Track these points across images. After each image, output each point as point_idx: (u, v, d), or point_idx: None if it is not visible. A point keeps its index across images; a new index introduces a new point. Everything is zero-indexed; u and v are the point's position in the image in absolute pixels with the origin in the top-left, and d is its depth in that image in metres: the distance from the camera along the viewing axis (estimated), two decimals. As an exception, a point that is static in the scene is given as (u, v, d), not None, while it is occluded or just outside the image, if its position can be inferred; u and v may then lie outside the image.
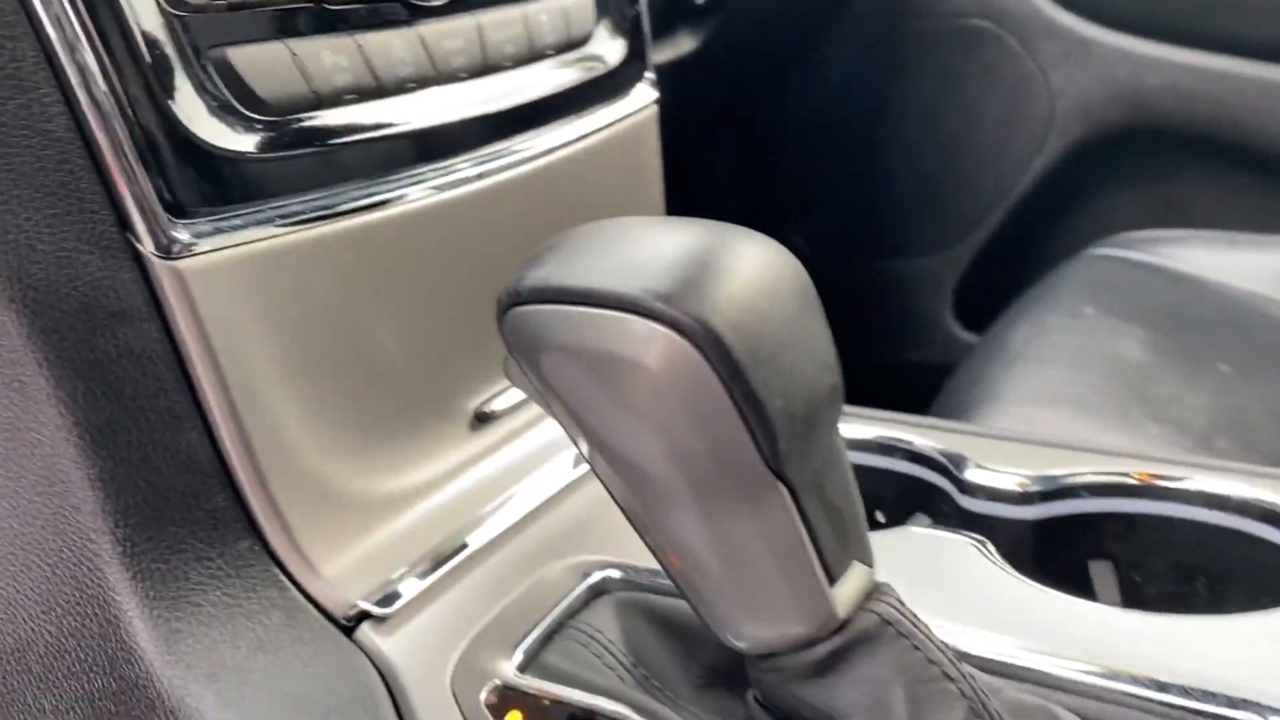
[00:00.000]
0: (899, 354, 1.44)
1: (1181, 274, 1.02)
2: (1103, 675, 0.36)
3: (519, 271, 0.33)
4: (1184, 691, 0.35)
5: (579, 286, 0.31)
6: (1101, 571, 0.49)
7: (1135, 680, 0.36)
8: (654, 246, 0.31)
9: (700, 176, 1.45)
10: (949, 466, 0.51)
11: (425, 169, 0.47)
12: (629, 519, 0.35)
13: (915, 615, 0.33)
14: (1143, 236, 1.10)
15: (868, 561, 0.34)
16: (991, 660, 0.37)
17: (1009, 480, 0.49)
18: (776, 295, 0.31)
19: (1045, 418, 0.75)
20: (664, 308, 0.29)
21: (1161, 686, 0.36)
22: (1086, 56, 1.28)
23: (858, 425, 0.55)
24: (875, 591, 0.34)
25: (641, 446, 0.32)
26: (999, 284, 1.26)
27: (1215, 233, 1.11)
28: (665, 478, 0.32)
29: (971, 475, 0.50)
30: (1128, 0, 1.25)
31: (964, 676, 0.32)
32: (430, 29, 0.46)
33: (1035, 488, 0.48)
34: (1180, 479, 0.47)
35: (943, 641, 0.33)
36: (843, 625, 0.33)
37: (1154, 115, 1.27)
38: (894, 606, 0.33)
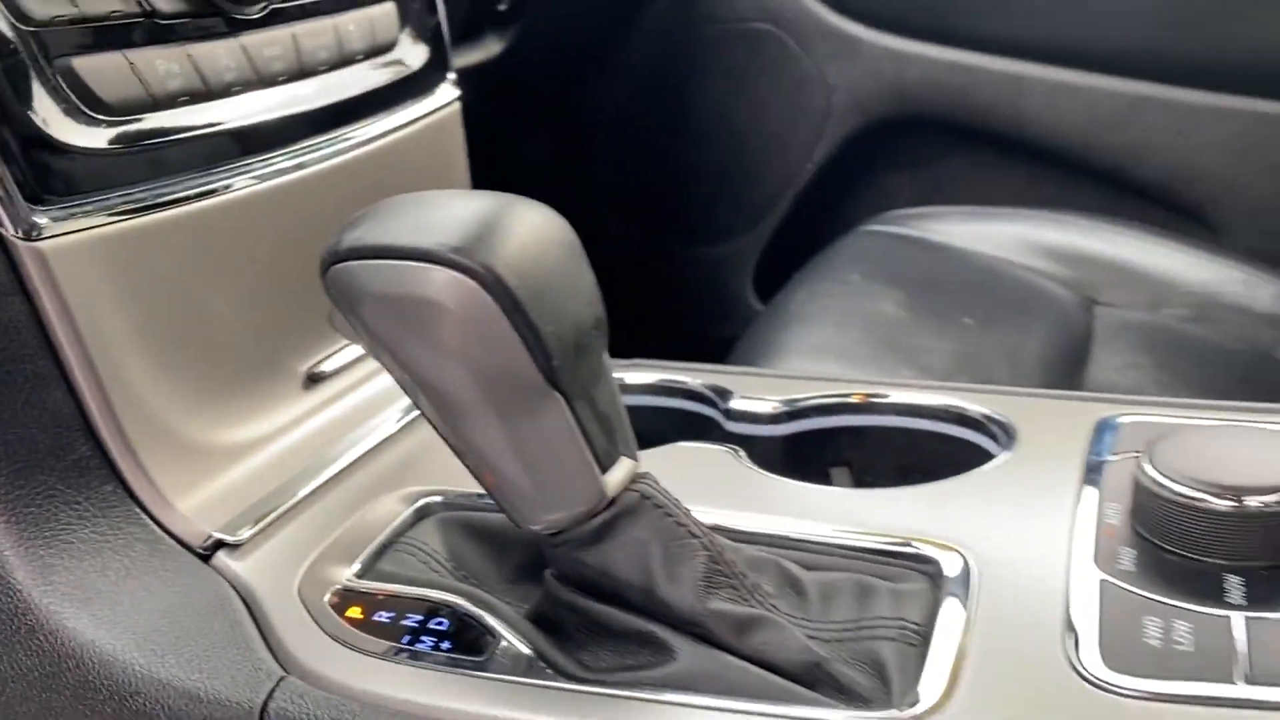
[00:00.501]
0: (706, 329, 1.56)
1: (936, 244, 1.17)
2: (825, 534, 0.47)
3: (336, 235, 0.41)
4: (898, 541, 0.46)
5: (388, 244, 0.39)
6: (839, 475, 0.60)
7: (850, 534, 0.47)
8: (448, 211, 0.40)
9: (515, 171, 1.54)
10: (715, 399, 0.61)
11: (250, 161, 0.54)
12: (449, 445, 0.43)
13: (668, 492, 0.43)
14: (906, 213, 1.25)
15: (632, 456, 0.43)
16: (735, 530, 0.47)
17: (763, 406, 0.60)
18: (547, 246, 0.40)
19: (813, 367, 0.88)
20: (457, 257, 0.38)
21: (870, 537, 0.46)
22: (856, 54, 1.43)
23: (646, 372, 0.64)
24: (638, 478, 0.43)
25: (448, 374, 0.40)
26: (791, 261, 1.40)
27: (968, 208, 1.27)
28: (469, 399, 0.40)
29: (734, 404, 0.60)
30: (888, 3, 1.40)
31: (706, 535, 0.42)
32: (251, 39, 0.53)
33: (783, 410, 0.59)
34: (889, 396, 0.58)
35: (689, 512, 0.43)
36: (612, 502, 0.42)
37: (916, 106, 1.43)
38: (651, 486, 0.43)
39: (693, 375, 0.63)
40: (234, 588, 0.47)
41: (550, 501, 0.42)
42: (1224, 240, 1.28)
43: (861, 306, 1.02)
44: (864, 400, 0.58)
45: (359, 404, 0.58)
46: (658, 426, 0.53)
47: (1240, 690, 0.35)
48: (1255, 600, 0.38)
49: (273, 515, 0.50)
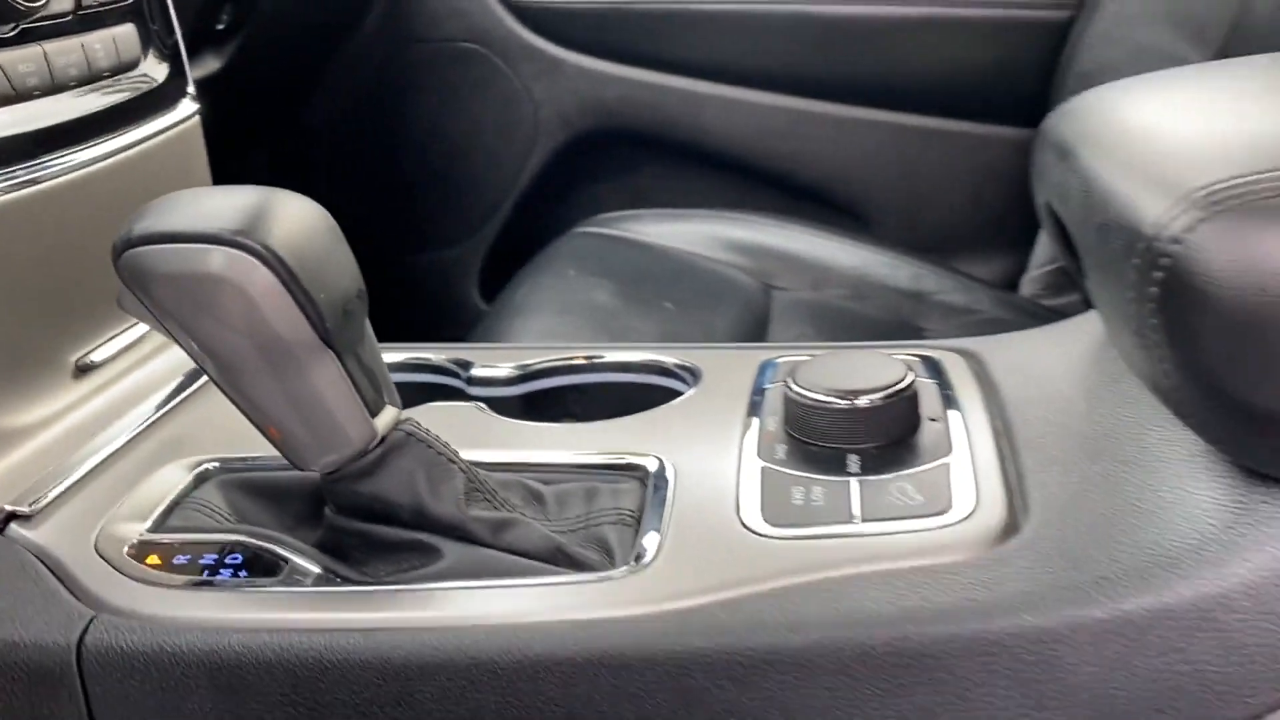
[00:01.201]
0: (436, 330, 1.64)
1: (639, 242, 1.32)
2: (557, 459, 0.58)
3: (126, 226, 0.47)
4: (613, 455, 0.57)
5: (175, 230, 0.46)
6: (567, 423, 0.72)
7: (576, 456, 0.58)
8: (225, 202, 0.48)
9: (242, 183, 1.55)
10: (458, 370, 0.71)
11: (5, 171, 0.58)
12: (237, 406, 0.50)
13: (428, 430, 0.52)
14: (613, 216, 1.40)
15: (396, 404, 0.52)
16: (485, 463, 0.57)
17: (500, 372, 0.70)
18: (314, 229, 0.49)
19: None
20: (240, 239, 0.46)
21: (592, 456, 0.58)
22: (558, 74, 1.56)
23: (392, 353, 0.73)
24: (401, 421, 0.52)
25: (234, 341, 0.47)
26: (513, 263, 1.51)
27: (665, 210, 1.43)
28: (254, 362, 0.48)
29: (474, 372, 0.70)
30: (585, 28, 1.55)
31: (461, 460, 0.52)
32: (5, 56, 0.58)
33: (517, 374, 0.70)
34: (604, 356, 0.71)
35: (448, 444, 0.52)
36: (382, 440, 0.51)
37: (616, 120, 1.58)
38: (414, 425, 0.52)
39: (435, 353, 0.73)
40: (32, 553, 0.52)
41: (329, 445, 0.50)
42: (873, 231, 1.52)
43: (578, 297, 1.14)
44: (585, 361, 0.70)
45: (130, 388, 0.64)
46: (408, 399, 0.62)
47: (854, 527, 0.49)
48: (867, 470, 0.53)
49: (61, 487, 0.55)
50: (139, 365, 0.65)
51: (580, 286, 1.18)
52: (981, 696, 0.43)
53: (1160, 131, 0.48)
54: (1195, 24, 1.17)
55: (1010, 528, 0.48)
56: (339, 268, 0.49)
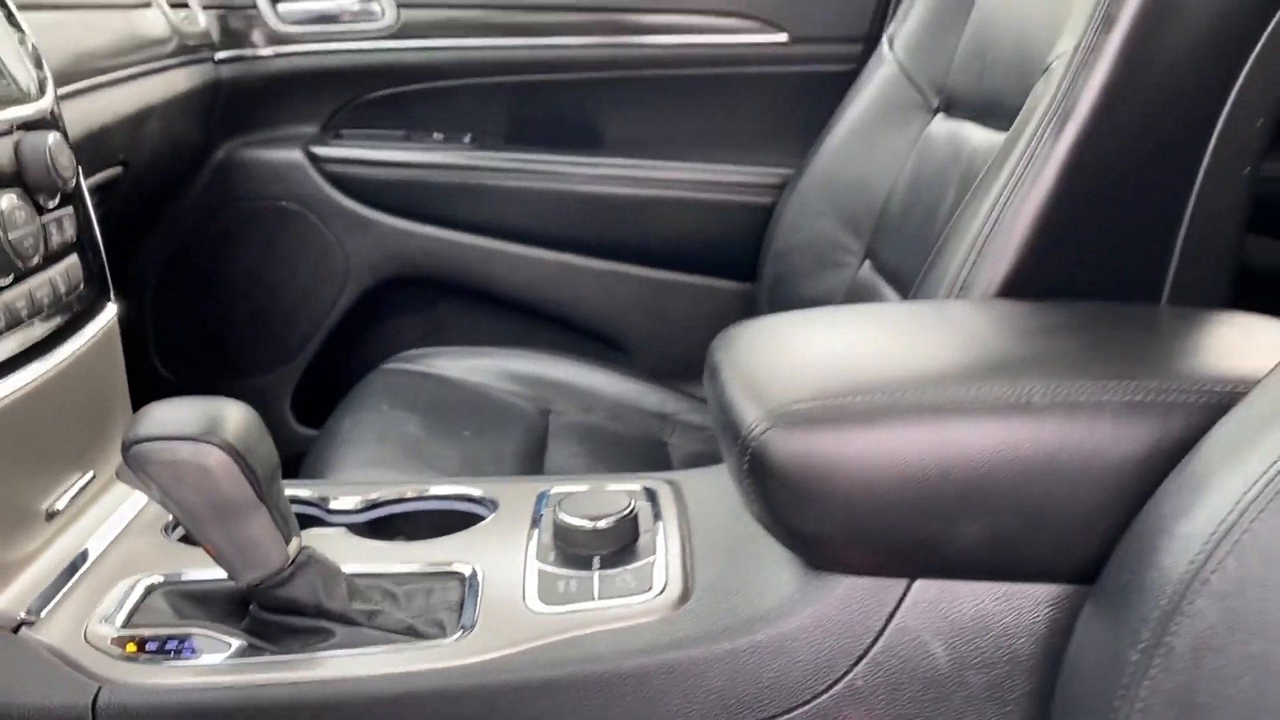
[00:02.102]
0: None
1: (440, 377, 1.61)
2: (402, 568, 0.87)
3: (132, 428, 0.74)
4: (441, 564, 0.87)
5: (167, 433, 0.73)
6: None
7: (415, 566, 0.87)
8: (193, 411, 0.75)
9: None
10: (319, 503, 0.98)
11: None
12: (197, 540, 0.77)
13: (322, 554, 0.80)
14: (417, 353, 1.68)
15: (298, 534, 0.80)
16: (355, 572, 0.85)
17: (351, 504, 0.98)
18: (250, 426, 0.77)
19: (368, 474, 1.27)
20: (206, 437, 0.73)
21: (427, 565, 0.87)
22: (367, 231, 1.85)
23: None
24: (303, 548, 0.80)
25: (202, 501, 0.74)
26: (325, 390, 1.77)
27: (461, 348, 1.73)
28: (212, 513, 0.75)
29: (333, 505, 0.98)
30: (389, 194, 1.85)
31: (343, 572, 0.80)
32: (6, 297, 0.82)
33: (364, 505, 0.98)
34: (429, 489, 1.00)
35: (332, 561, 0.81)
36: (293, 560, 0.78)
37: (419, 269, 1.88)
38: (312, 550, 0.80)
39: (301, 488, 1.00)
40: (44, 648, 0.76)
41: (257, 565, 0.78)
42: (633, 362, 1.88)
43: (392, 429, 1.43)
44: (414, 494, 1.00)
45: (88, 525, 0.88)
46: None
47: (595, 603, 0.81)
48: (604, 566, 0.85)
49: (53, 602, 0.79)
50: (90, 507, 0.90)
51: (392, 419, 1.46)
52: (667, 701, 0.75)
53: (765, 363, 0.84)
54: (853, 219, 1.59)
55: (684, 598, 0.81)
56: (267, 450, 0.77)
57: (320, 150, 1.82)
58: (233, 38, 1.74)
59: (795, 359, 0.84)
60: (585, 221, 1.86)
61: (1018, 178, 0.99)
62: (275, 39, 1.76)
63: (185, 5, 1.63)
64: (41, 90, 0.94)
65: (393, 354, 1.68)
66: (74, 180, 0.92)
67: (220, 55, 1.71)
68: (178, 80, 1.54)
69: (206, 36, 1.67)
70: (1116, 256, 1.01)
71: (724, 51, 1.81)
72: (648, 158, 1.85)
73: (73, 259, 0.93)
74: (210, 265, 1.86)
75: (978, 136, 1.31)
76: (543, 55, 1.81)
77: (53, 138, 0.87)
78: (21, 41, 0.97)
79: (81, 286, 0.93)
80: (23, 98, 0.90)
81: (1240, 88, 0.97)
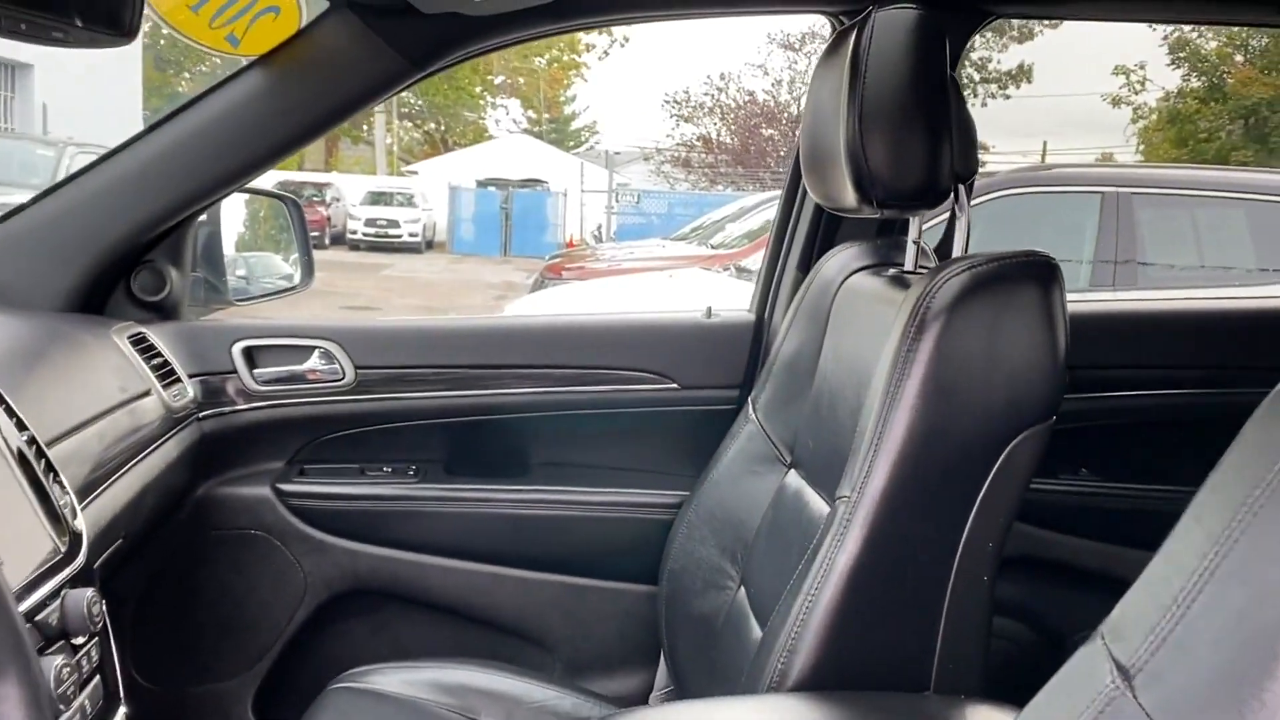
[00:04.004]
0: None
1: (382, 694, 1.89)
2: None
3: None
4: None
5: None
6: None
7: None
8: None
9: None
10: None
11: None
12: None
13: None
14: (359, 671, 1.94)
15: None
16: None
17: None
18: None
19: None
20: None
21: None
22: (324, 553, 2.15)
23: None
24: None
25: None
26: (283, 692, 2.03)
27: (402, 664, 1.99)
28: None
29: None
30: (343, 522, 2.16)
31: None
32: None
33: None
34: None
35: None
36: None
37: (368, 583, 2.16)
38: None
39: None
40: None
41: None
42: (555, 658, 2.16)
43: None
44: None
45: None
46: None
47: None
48: None
49: None
50: None
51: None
52: None
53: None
54: (730, 550, 1.92)
55: None
56: None
57: (285, 486, 2.14)
58: (214, 398, 2.08)
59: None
60: (512, 538, 2.18)
61: (818, 583, 1.33)
62: (251, 397, 2.10)
63: (178, 380, 1.97)
64: (76, 546, 1.25)
65: (344, 656, 1.95)
66: (101, 621, 1.22)
67: (203, 414, 2.05)
68: (170, 450, 1.86)
69: (193, 402, 2.02)
70: (893, 650, 1.34)
71: (628, 396, 2.18)
72: (566, 484, 2.19)
73: (96, 681, 1.22)
74: (185, 583, 2.14)
75: (814, 504, 1.66)
76: (479, 402, 2.17)
77: (89, 594, 1.18)
78: (62, 498, 1.29)
79: (101, 702, 1.22)
80: (64, 560, 1.21)
81: (974, 515, 1.33)
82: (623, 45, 36.54)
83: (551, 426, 2.22)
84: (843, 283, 1.78)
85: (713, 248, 8.49)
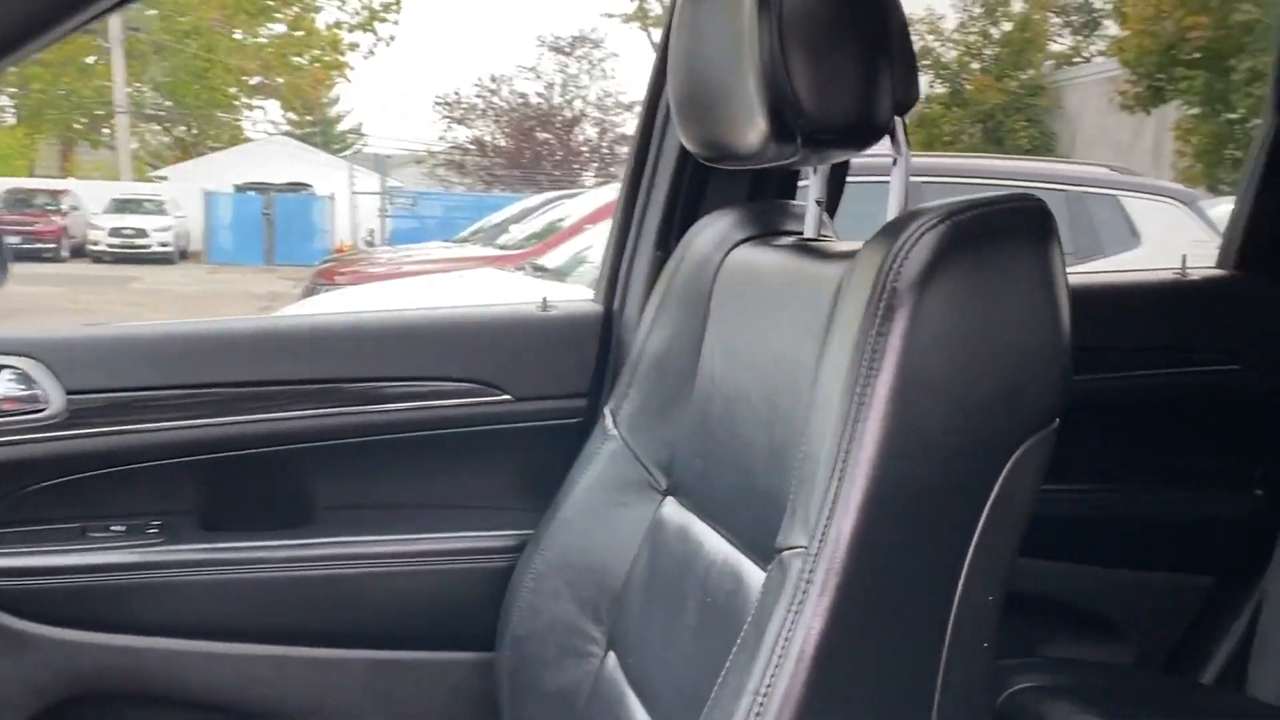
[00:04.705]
0: None
1: None
2: None
3: None
4: None
5: None
6: None
7: None
8: None
9: None
10: None
11: None
12: None
13: None
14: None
15: None
16: None
17: None
18: None
19: None
20: None
21: None
22: (29, 649, 1.57)
23: None
24: None
25: None
26: None
27: None
28: None
29: None
30: (57, 607, 1.58)
31: None
32: None
33: None
34: None
35: None
36: None
37: (98, 688, 1.61)
38: None
39: None
40: None
41: None
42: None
43: None
44: None
45: None
46: None
47: None
48: None
49: None
50: None
51: None
52: None
53: None
54: (592, 604, 1.48)
55: None
56: None
57: (-33, 562, 1.55)
58: None
59: None
60: (297, 608, 1.68)
61: (771, 673, 0.93)
62: (-95, 442, 1.50)
63: None
64: None
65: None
66: None
67: None
68: None
69: None
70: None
71: (445, 414, 1.72)
72: (366, 532, 1.71)
73: None
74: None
75: (714, 545, 1.27)
76: (244, 431, 1.65)
77: None
78: None
79: None
80: None
81: (974, 550, 0.97)
82: (388, 44, 35.44)
83: (343, 459, 1.73)
84: (723, 259, 1.41)
85: (501, 249, 8.01)
